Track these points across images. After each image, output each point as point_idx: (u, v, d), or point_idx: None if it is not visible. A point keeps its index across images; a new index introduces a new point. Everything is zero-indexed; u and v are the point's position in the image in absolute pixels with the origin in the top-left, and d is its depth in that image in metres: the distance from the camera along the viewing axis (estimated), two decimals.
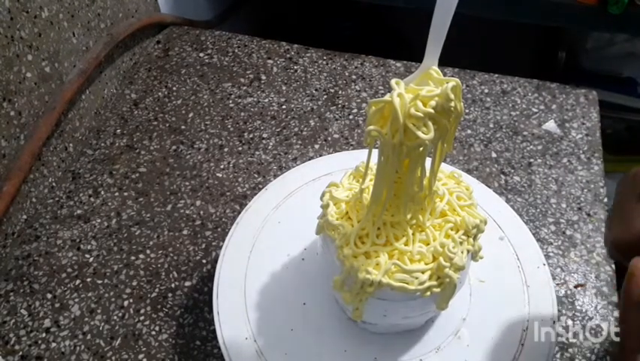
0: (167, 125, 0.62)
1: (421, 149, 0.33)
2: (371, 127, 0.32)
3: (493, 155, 0.59)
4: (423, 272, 0.35)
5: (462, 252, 0.36)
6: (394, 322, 0.40)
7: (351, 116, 0.62)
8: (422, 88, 0.32)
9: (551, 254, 0.50)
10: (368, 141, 0.33)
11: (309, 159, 0.56)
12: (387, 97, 0.31)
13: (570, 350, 0.45)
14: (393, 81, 0.32)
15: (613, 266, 0.49)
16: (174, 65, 0.69)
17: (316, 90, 0.65)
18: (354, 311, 0.38)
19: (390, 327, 0.41)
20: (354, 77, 0.67)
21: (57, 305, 0.48)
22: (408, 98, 0.31)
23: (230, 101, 0.64)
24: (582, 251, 0.51)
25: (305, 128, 0.61)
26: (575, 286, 0.48)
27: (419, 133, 0.31)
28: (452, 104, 0.31)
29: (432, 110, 0.31)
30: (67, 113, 0.58)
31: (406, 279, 0.35)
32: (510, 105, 0.64)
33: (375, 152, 0.35)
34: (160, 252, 0.51)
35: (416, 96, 0.31)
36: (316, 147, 0.59)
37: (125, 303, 0.48)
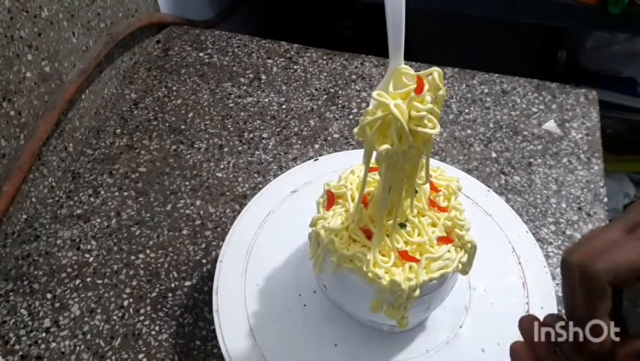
0: (167, 125, 0.62)
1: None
2: (382, 148, 0.32)
3: (493, 155, 0.59)
4: (449, 251, 0.37)
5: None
6: (433, 310, 0.41)
7: (351, 116, 0.62)
8: (407, 90, 0.32)
9: (551, 254, 0.50)
10: (380, 161, 0.33)
11: (309, 159, 0.56)
12: (377, 112, 0.32)
13: None
14: (375, 94, 0.32)
15: None
16: (174, 64, 0.69)
17: (316, 90, 0.65)
18: (401, 321, 0.37)
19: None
20: (354, 76, 0.67)
21: (57, 305, 0.48)
22: (402, 104, 0.31)
23: (230, 101, 0.64)
24: None
25: (305, 128, 0.61)
26: None
27: (426, 130, 0.32)
28: (442, 91, 0.32)
29: (431, 106, 0.31)
30: (67, 113, 0.58)
31: (441, 265, 0.36)
32: (510, 105, 0.64)
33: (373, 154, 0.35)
34: (160, 252, 0.51)
35: (410, 100, 0.31)
36: (316, 146, 0.59)
37: (125, 303, 0.48)
